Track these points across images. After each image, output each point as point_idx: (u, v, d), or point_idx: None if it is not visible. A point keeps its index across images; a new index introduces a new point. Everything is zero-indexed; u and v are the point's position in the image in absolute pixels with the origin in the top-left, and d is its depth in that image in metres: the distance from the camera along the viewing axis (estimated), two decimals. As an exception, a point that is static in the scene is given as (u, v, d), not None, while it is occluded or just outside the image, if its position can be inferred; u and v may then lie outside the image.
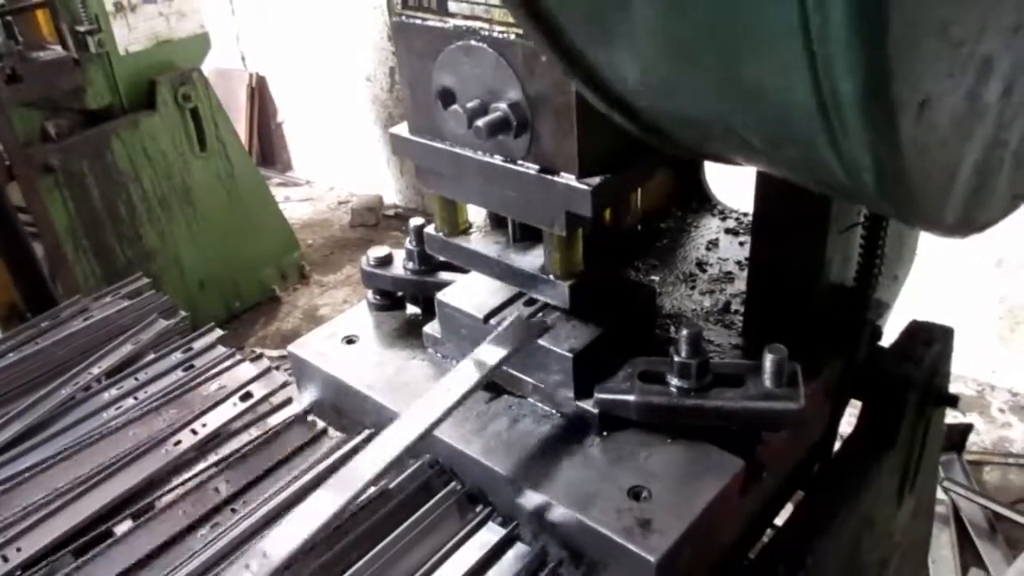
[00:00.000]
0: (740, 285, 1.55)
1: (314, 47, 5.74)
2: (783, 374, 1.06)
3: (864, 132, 0.40)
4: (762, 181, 1.21)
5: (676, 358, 1.07)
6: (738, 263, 1.65)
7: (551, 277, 1.11)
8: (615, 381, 1.12)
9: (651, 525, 0.98)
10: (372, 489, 1.14)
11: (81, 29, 3.65)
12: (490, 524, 1.13)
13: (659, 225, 1.67)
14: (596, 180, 0.98)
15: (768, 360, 1.05)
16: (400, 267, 1.43)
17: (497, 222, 1.22)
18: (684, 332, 1.06)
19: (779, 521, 1.42)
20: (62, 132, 3.75)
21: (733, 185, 1.76)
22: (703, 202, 1.91)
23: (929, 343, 1.51)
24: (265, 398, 1.43)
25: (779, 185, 1.20)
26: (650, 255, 1.66)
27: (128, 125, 3.92)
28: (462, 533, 1.10)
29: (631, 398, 1.09)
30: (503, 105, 0.98)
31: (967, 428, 3.15)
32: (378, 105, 5.65)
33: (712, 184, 1.93)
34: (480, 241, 1.21)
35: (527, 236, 1.18)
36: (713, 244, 1.74)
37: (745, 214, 1.84)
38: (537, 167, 1.02)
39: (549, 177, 1.01)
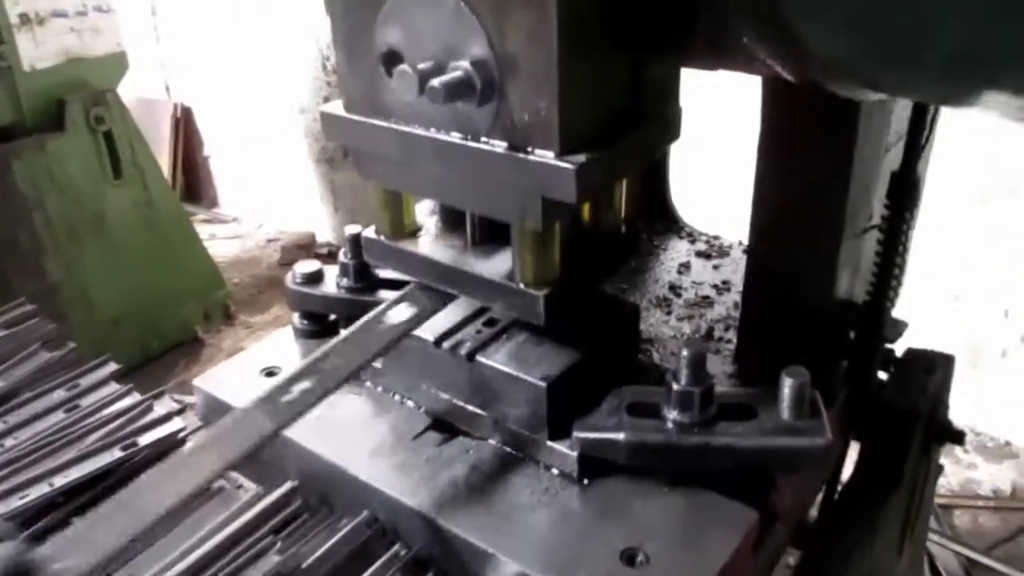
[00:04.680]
0: (720, 310, 1.45)
1: (244, 77, 5.48)
2: (804, 403, 0.87)
3: None
4: (762, 181, 1.04)
5: (675, 386, 0.88)
6: (715, 287, 1.53)
7: (521, 286, 0.90)
8: (598, 416, 0.92)
9: (654, 599, 0.77)
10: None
11: (-19, 42, 3.36)
12: (444, 598, 0.90)
13: (640, 232, 1.49)
14: (581, 158, 0.78)
15: (787, 386, 0.87)
16: (332, 285, 1.21)
17: (452, 223, 1.01)
18: (685, 353, 0.87)
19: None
20: (-44, 151, 3.43)
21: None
22: (668, 223, 1.78)
23: (931, 371, 1.37)
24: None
25: (784, 186, 1.04)
26: (618, 276, 1.49)
27: (32, 146, 3.60)
28: (409, 611, 0.88)
29: (620, 436, 0.89)
30: (464, 63, 0.78)
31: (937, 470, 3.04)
32: (312, 138, 5.41)
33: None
34: (431, 245, 0.99)
35: (489, 239, 0.97)
36: (685, 267, 1.61)
37: (715, 237, 1.74)
38: (506, 144, 0.82)
39: (521, 156, 0.81)
